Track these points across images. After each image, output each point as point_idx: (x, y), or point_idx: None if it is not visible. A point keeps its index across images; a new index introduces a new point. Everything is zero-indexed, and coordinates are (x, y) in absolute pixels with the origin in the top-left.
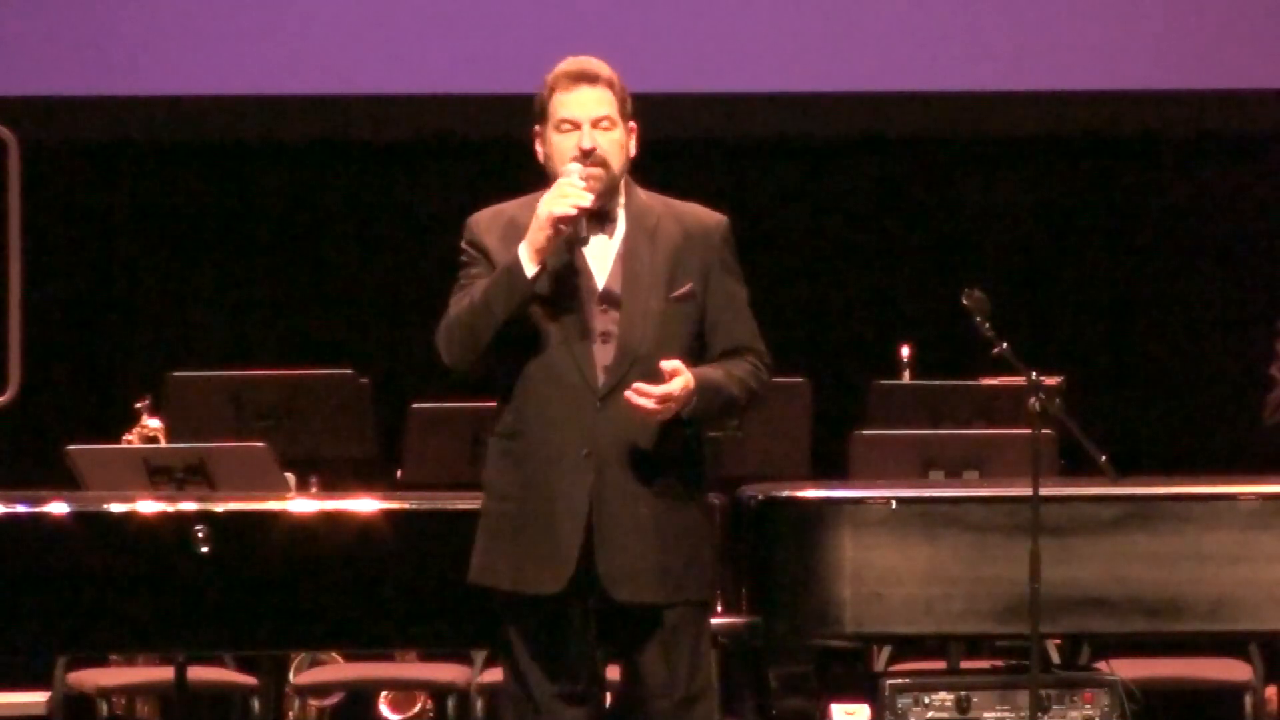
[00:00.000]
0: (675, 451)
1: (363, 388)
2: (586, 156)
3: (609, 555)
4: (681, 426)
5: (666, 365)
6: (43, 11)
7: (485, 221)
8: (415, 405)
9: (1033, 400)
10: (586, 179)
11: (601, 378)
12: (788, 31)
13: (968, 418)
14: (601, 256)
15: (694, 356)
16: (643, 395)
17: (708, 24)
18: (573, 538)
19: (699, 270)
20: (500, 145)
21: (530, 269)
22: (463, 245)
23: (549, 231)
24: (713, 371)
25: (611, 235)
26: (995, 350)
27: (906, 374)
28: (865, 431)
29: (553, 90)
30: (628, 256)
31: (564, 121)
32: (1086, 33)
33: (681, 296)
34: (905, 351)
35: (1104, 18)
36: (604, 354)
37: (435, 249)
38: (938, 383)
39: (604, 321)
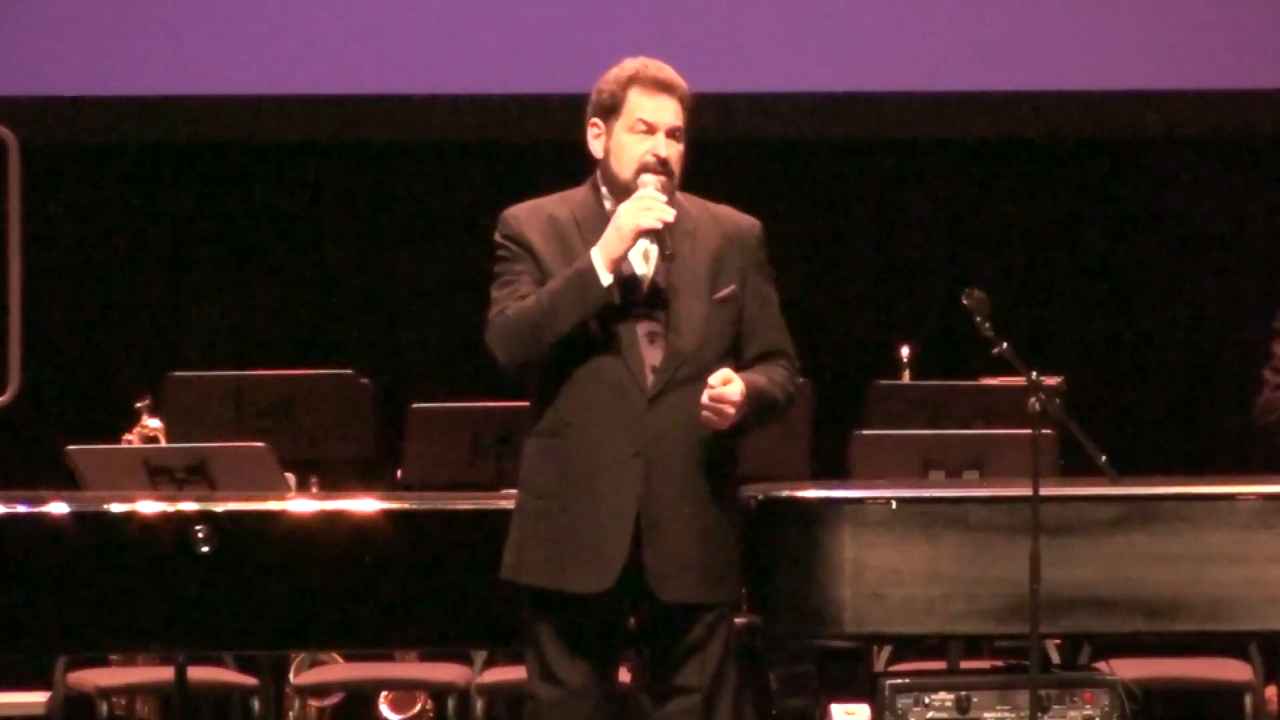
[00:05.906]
0: (717, 453)
1: (363, 388)
2: (662, 165)
3: (657, 555)
4: (726, 430)
5: (717, 377)
6: (43, 11)
7: (524, 217)
8: (415, 405)
9: (1033, 400)
10: (663, 191)
11: (650, 378)
12: (788, 31)
13: (968, 418)
14: (644, 258)
15: (733, 358)
16: (721, 401)
17: (708, 25)
18: (620, 537)
19: (738, 273)
20: (501, 146)
21: (606, 278)
22: (499, 239)
23: (630, 243)
24: (757, 378)
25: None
26: (995, 350)
27: (906, 374)
28: (865, 431)
29: (628, 88)
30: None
31: (641, 122)
32: (1086, 33)
33: (725, 298)
34: (905, 351)
35: (1104, 18)
36: (652, 355)
37: (436, 249)
38: (938, 383)
39: (650, 323)
